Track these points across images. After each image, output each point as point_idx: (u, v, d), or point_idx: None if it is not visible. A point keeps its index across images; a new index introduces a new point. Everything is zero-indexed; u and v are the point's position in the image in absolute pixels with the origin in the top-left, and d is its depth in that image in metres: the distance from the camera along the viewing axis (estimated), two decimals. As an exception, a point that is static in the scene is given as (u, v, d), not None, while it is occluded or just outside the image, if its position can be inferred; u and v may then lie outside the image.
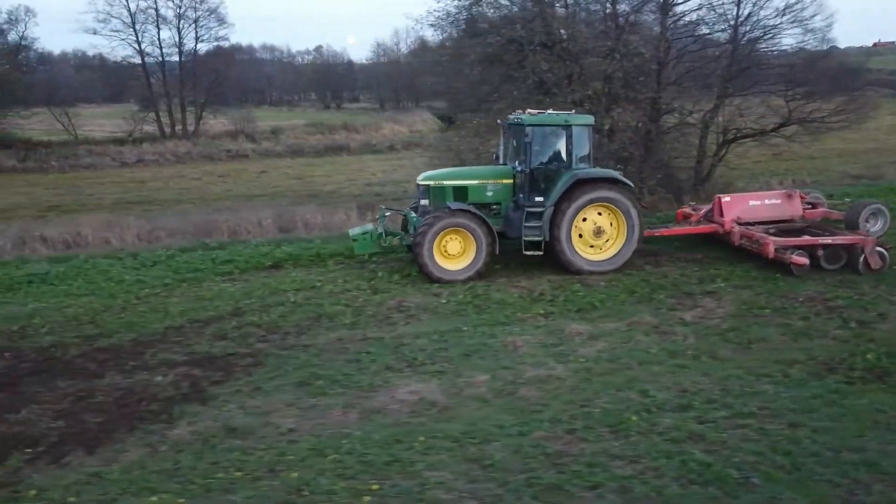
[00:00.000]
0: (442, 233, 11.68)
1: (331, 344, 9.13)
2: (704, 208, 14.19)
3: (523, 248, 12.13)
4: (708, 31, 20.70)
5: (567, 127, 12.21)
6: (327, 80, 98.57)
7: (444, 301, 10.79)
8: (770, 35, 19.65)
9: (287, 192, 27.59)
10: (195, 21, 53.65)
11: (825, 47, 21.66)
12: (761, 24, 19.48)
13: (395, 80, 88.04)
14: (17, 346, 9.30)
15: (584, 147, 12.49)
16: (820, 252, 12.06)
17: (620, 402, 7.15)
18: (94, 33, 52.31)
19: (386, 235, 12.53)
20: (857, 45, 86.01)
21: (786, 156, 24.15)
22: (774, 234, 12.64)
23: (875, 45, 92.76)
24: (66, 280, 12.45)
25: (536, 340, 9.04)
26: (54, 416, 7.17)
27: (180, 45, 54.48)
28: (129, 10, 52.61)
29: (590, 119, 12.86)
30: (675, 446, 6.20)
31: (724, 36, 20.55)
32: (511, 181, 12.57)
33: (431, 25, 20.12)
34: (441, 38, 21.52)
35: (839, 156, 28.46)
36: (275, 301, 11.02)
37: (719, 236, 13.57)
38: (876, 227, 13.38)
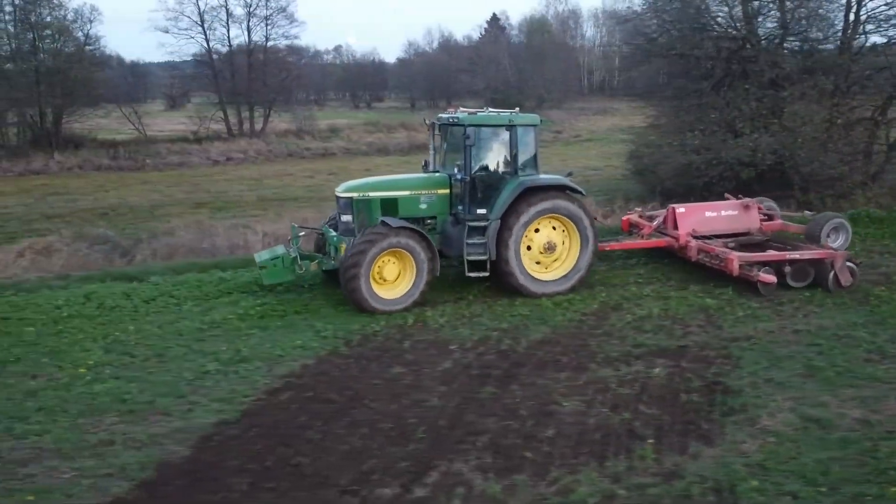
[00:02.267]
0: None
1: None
2: (657, 219, 13.16)
3: (466, 270, 10.61)
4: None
5: (511, 127, 10.82)
6: (357, 79, 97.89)
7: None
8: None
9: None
10: (266, 19, 53.41)
11: None
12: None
13: (429, 79, 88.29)
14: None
15: (529, 150, 11.08)
16: (787, 268, 11.14)
17: None
18: (166, 31, 51.82)
19: (301, 259, 10.67)
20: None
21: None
22: (735, 249, 11.76)
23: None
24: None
25: None
26: (611, 406, 7.11)
27: (249, 43, 54.26)
28: (198, 8, 52.52)
29: (535, 119, 11.28)
30: None
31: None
32: (447, 191, 10.97)
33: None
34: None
35: None
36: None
37: (673, 250, 12.61)
38: (837, 242, 12.67)
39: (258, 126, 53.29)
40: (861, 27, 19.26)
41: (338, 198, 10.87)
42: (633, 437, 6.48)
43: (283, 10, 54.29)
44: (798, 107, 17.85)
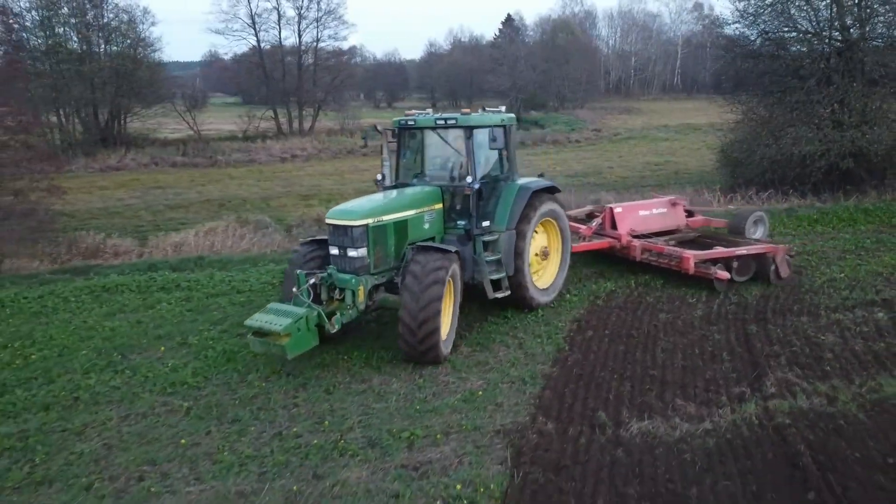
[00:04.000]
0: None
1: None
2: (595, 220, 12.86)
3: (489, 292, 9.34)
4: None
5: (505, 127, 9.84)
6: (378, 79, 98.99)
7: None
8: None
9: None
10: (317, 20, 55.16)
11: None
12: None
13: (451, 79, 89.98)
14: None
15: (513, 152, 10.26)
16: (734, 264, 11.36)
17: None
18: (221, 33, 53.94)
19: (327, 315, 8.12)
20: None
21: None
22: (677, 247, 11.92)
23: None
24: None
25: None
26: (862, 338, 8.90)
27: (300, 44, 56.01)
28: (250, 10, 54.32)
29: (514, 117, 10.31)
30: None
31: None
32: (441, 205, 9.57)
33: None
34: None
35: None
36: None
37: (613, 251, 12.39)
38: (758, 233, 13.19)
39: (306, 125, 55.20)
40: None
41: (336, 227, 8.48)
42: (897, 358, 8.25)
43: (331, 11, 56.20)
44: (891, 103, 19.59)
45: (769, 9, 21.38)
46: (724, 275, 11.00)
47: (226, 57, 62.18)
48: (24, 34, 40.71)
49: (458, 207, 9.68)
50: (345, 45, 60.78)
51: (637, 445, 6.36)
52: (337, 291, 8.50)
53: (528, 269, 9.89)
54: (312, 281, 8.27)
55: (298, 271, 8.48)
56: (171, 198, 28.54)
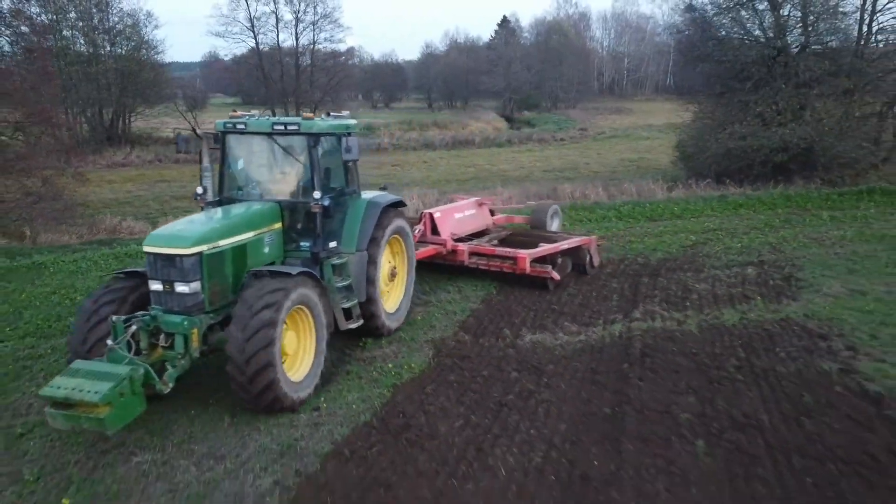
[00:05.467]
0: None
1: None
2: (417, 227, 11.80)
3: (341, 322, 8.36)
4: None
5: (349, 135, 8.56)
6: (375, 80, 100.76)
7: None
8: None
9: (510, 174, 31.50)
10: (314, 24, 57.68)
11: None
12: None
13: (448, 80, 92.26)
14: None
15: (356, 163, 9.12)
16: (559, 259, 11.64)
17: None
18: (221, 36, 56.39)
19: (153, 372, 6.57)
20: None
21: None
22: (498, 246, 12.14)
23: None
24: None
25: None
26: (727, 286, 11.38)
27: (297, 46, 58.53)
28: (249, 14, 56.86)
29: (356, 123, 9.11)
30: None
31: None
32: (280, 224, 8.25)
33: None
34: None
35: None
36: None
37: (436, 259, 11.79)
38: (554, 226, 13.73)
39: (304, 124, 57.63)
40: (873, 37, 23.59)
41: (159, 256, 6.94)
42: (747, 298, 10.69)
43: (327, 15, 58.74)
44: (822, 103, 22.10)
45: (722, 15, 23.90)
46: (556, 275, 11.30)
47: (225, 58, 64.52)
48: (51, 38, 42.51)
49: (299, 227, 8.38)
50: (342, 47, 63.14)
51: (526, 347, 8.82)
52: (163, 337, 6.90)
53: (380, 296, 9.06)
54: (134, 328, 6.68)
55: (115, 317, 6.73)
56: (176, 190, 30.91)
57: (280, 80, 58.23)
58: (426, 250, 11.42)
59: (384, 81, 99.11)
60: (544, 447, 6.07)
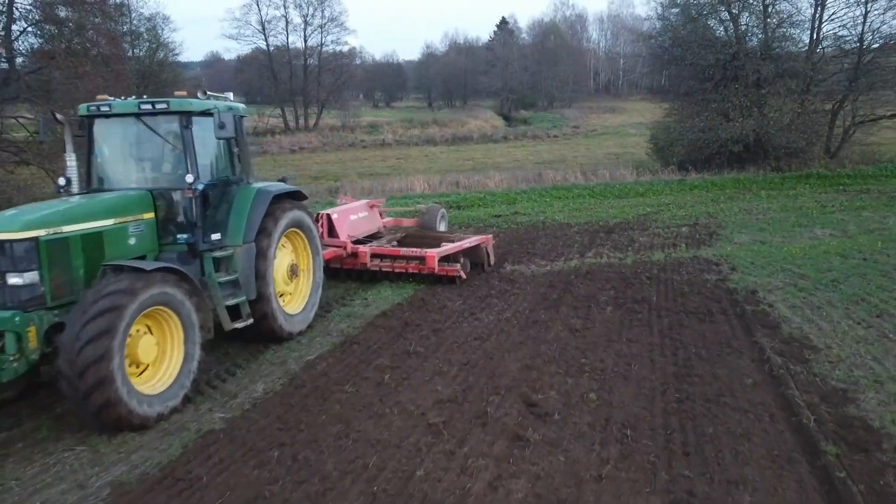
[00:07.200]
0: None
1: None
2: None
3: (225, 322, 7.81)
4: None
5: (235, 117, 8.14)
6: (376, 80, 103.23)
7: None
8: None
9: (504, 165, 35.03)
10: (321, 27, 61.36)
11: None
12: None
13: (447, 80, 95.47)
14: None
15: (247, 150, 8.80)
16: (461, 258, 11.71)
17: None
18: (234, 38, 60.11)
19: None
20: None
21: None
22: (396, 247, 12.16)
23: None
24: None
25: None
26: (661, 239, 14.98)
27: (305, 48, 62.18)
28: (261, 18, 60.55)
29: (244, 108, 8.85)
30: None
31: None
32: (152, 214, 7.57)
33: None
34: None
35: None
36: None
37: (334, 262, 11.56)
38: (442, 227, 14.25)
39: (311, 122, 61.39)
40: (819, 44, 27.22)
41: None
42: (675, 246, 14.26)
43: (334, 19, 62.46)
44: (773, 101, 25.68)
45: (690, 24, 27.51)
46: (463, 273, 11.50)
47: (227, 58, 68.11)
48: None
49: (177, 218, 7.71)
50: (345, 49, 66.82)
51: (505, 274, 12.36)
52: None
53: (274, 293, 8.47)
54: None
55: None
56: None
57: (289, 79, 61.83)
58: (324, 253, 10.55)
59: (385, 81, 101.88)
60: (512, 311, 9.68)
